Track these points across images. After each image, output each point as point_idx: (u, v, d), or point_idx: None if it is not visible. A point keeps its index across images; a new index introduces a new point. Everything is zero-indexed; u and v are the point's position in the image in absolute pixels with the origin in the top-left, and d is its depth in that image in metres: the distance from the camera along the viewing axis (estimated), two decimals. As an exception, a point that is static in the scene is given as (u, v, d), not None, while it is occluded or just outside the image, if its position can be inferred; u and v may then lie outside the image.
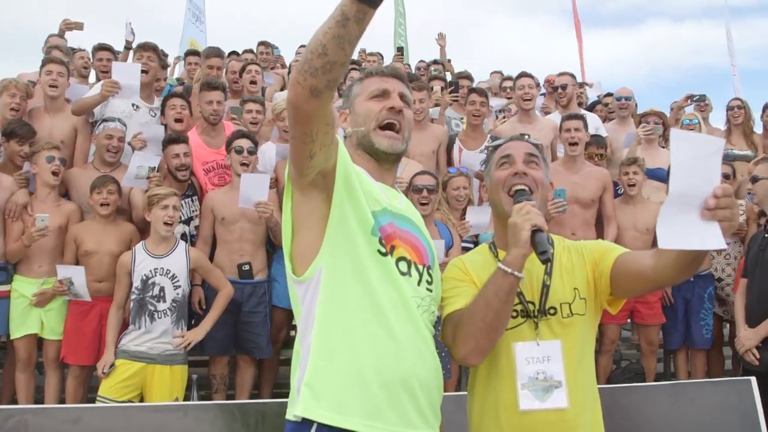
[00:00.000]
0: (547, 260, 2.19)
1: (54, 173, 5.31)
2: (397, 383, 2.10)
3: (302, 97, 1.91)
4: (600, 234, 6.15)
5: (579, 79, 9.86)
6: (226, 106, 6.35)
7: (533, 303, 2.39)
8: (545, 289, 2.38)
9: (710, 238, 1.93)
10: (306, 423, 2.07)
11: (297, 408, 2.09)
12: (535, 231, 2.19)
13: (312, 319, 2.14)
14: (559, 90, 7.49)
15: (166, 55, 7.92)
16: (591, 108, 8.30)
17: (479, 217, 5.67)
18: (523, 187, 2.39)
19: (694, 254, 2.09)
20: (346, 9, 1.81)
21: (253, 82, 7.30)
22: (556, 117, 7.21)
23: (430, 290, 2.30)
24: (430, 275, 2.31)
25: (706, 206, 1.91)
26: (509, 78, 8.80)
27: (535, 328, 2.37)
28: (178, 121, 6.02)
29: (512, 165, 2.45)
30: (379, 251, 2.16)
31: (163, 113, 6.18)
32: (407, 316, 2.17)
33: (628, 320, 6.44)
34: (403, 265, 2.21)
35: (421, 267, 2.27)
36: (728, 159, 7.17)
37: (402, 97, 2.36)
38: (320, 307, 2.13)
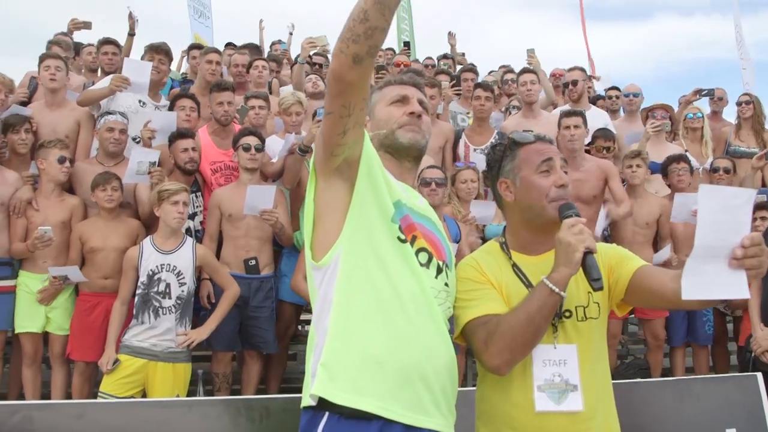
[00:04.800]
0: (600, 288, 2.19)
1: (64, 172, 5.36)
2: (412, 369, 2.12)
3: (345, 66, 1.97)
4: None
5: (588, 72, 9.81)
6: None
7: None
8: (563, 297, 2.36)
9: (734, 287, 1.97)
10: (320, 409, 2.09)
11: (312, 387, 2.11)
12: (587, 253, 2.19)
13: (329, 302, 2.17)
14: (570, 86, 7.45)
15: None
16: (594, 101, 8.24)
17: (483, 211, 5.67)
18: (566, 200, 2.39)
19: None
20: None
21: (260, 76, 7.45)
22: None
23: (447, 285, 2.33)
24: (446, 273, 2.34)
25: (734, 256, 1.95)
26: (512, 71, 8.76)
27: (554, 332, 2.36)
28: (186, 121, 6.07)
29: (553, 172, 2.42)
30: (398, 238, 2.19)
31: (171, 110, 6.19)
32: (426, 305, 2.20)
33: (631, 314, 6.42)
34: (423, 256, 2.25)
35: (440, 263, 2.31)
36: (735, 155, 7.15)
37: (420, 103, 2.42)
38: (338, 291, 2.16)
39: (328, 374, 2.10)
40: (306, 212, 2.27)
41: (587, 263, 2.19)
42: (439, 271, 2.29)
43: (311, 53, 7.68)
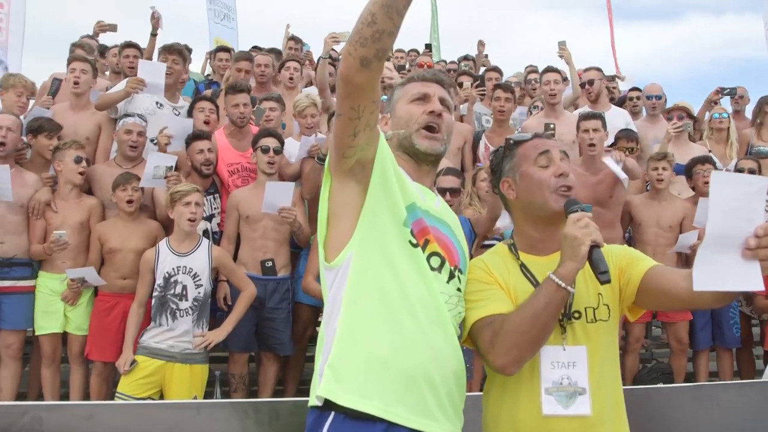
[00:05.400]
0: (607, 281, 2.15)
1: (80, 173, 5.41)
2: (417, 371, 2.11)
3: (353, 69, 1.98)
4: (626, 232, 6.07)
5: (611, 72, 9.70)
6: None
7: None
8: (570, 293, 2.32)
9: (748, 278, 1.91)
10: (325, 409, 2.09)
11: (319, 389, 2.11)
12: (594, 247, 2.15)
13: (339, 303, 2.17)
14: (587, 86, 7.37)
15: (190, 50, 7.97)
16: (620, 103, 8.15)
17: (506, 218, 5.62)
18: (568, 187, 2.36)
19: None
20: None
21: (291, 78, 7.44)
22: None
23: (459, 290, 2.31)
24: (459, 278, 2.32)
25: (747, 246, 1.89)
26: (536, 71, 8.69)
27: (562, 333, 2.32)
28: (206, 123, 6.11)
29: (552, 163, 2.40)
30: (410, 242, 2.19)
31: (190, 113, 6.25)
32: (434, 309, 2.18)
33: (654, 318, 6.33)
34: (435, 261, 2.23)
35: (452, 267, 2.29)
36: (759, 156, 7.03)
37: (442, 101, 2.40)
38: (348, 293, 2.15)
39: (335, 375, 2.10)
40: (320, 212, 2.27)
41: (594, 257, 2.15)
42: (451, 276, 2.27)
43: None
